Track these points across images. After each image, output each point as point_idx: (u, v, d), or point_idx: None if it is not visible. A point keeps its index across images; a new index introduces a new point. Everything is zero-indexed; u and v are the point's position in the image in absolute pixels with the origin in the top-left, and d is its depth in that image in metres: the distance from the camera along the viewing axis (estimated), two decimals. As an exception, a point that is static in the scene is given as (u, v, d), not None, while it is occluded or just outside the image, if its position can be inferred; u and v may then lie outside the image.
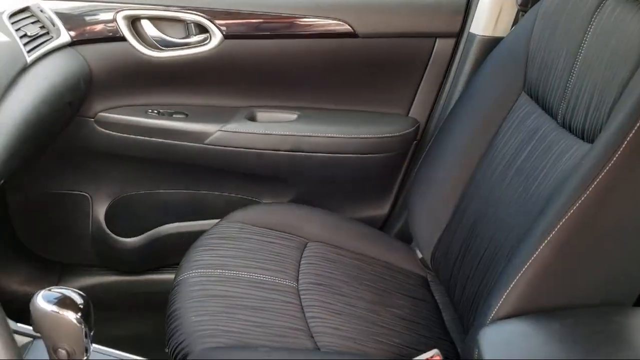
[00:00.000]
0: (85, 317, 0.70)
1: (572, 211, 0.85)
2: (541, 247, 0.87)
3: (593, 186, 0.85)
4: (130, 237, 1.59)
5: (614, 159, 0.84)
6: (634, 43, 0.89)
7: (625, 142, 0.83)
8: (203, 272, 1.18)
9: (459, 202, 1.26)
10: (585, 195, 0.85)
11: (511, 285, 0.89)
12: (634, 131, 0.83)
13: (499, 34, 1.39)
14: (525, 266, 0.88)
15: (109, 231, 1.57)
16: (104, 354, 0.83)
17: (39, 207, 1.56)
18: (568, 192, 0.88)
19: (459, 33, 1.48)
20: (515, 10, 1.39)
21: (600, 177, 0.84)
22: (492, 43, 1.37)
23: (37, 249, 1.60)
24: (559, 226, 0.86)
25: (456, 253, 1.20)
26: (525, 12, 1.32)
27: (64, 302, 0.69)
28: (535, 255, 0.88)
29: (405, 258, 1.41)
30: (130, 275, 1.63)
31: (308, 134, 1.49)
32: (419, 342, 1.16)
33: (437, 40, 1.48)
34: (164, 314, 1.13)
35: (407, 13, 1.49)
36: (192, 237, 1.31)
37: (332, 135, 1.50)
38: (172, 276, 1.24)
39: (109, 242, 1.58)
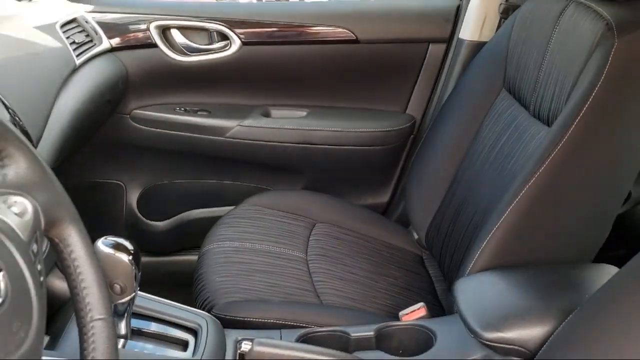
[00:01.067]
0: (135, 260, 0.86)
1: (532, 181, 1.01)
2: (507, 211, 1.02)
3: (549, 160, 1.00)
4: (159, 221, 1.75)
5: (566, 137, 0.99)
6: (586, 41, 1.05)
7: (574, 124, 0.99)
8: (225, 244, 1.33)
9: (449, 187, 1.40)
10: (543, 167, 1.00)
11: (483, 245, 1.04)
12: (581, 114, 0.98)
13: (484, 38, 1.53)
14: (495, 228, 1.03)
15: (140, 216, 1.73)
16: (145, 297, 0.99)
17: (78, 194, 1.72)
18: (530, 166, 1.03)
19: (449, 38, 1.63)
20: (498, 17, 1.53)
21: (555, 152, 1.00)
22: (478, 47, 1.51)
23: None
24: (521, 194, 1.01)
25: (445, 230, 1.35)
26: (506, 19, 1.47)
27: (119, 247, 0.84)
28: (502, 218, 1.03)
29: (403, 239, 1.54)
30: (158, 256, 1.78)
31: (316, 128, 1.64)
32: (411, 305, 1.30)
33: (430, 45, 1.63)
34: (188, 290, 1.27)
35: (403, 21, 1.64)
36: (213, 222, 1.45)
37: (338, 129, 1.65)
38: (194, 257, 1.38)
39: (140, 226, 1.74)
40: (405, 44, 1.64)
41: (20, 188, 0.57)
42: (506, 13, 1.49)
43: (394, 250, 1.49)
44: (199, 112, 1.64)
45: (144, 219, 1.74)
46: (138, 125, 1.62)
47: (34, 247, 0.55)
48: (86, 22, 1.49)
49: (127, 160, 1.70)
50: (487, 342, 0.88)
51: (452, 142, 1.42)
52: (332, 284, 1.27)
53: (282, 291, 1.21)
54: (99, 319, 0.61)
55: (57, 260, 0.64)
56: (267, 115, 1.68)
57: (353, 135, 1.66)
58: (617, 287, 0.75)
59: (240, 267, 1.26)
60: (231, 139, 1.62)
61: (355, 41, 1.61)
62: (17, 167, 0.58)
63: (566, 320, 0.80)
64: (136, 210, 1.73)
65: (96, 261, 0.65)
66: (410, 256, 1.50)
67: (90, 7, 1.54)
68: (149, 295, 1.00)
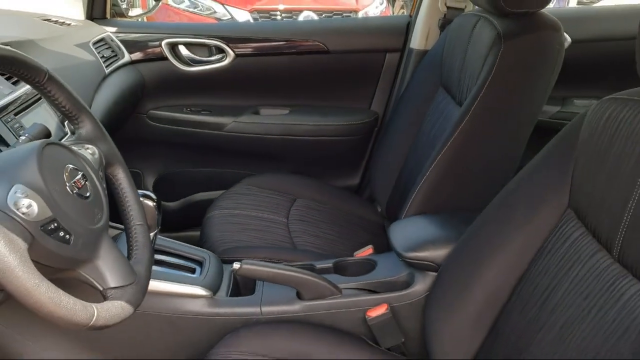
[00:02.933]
0: (157, 206, 1.18)
1: (445, 148, 1.33)
2: (430, 168, 1.35)
3: (457, 131, 1.33)
4: (170, 202, 2.07)
5: (469, 114, 1.32)
6: (485, 46, 1.37)
7: (474, 105, 1.31)
8: (223, 211, 1.65)
9: (402, 165, 1.71)
10: (454, 135, 1.33)
11: (414, 195, 1.37)
12: (479, 98, 1.31)
13: (428, 47, 1.85)
14: (422, 181, 1.36)
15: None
16: (164, 239, 1.30)
17: (108, 187, 2.04)
18: (447, 134, 1.36)
19: (402, 48, 1.95)
20: (438, 31, 1.85)
21: (461, 126, 1.32)
22: (424, 54, 1.82)
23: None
24: (437, 158, 1.34)
25: (399, 197, 1.66)
26: (442, 31, 1.79)
27: (146, 196, 1.16)
28: (427, 174, 1.35)
29: (370, 211, 1.84)
30: (169, 232, 2.08)
31: (296, 123, 1.97)
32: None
33: (387, 53, 1.96)
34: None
35: (365, 35, 1.97)
36: (214, 203, 1.75)
37: (314, 123, 1.97)
38: (197, 232, 1.65)
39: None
40: (367, 53, 1.96)
41: (90, 141, 0.91)
42: (443, 27, 1.81)
43: (360, 220, 1.79)
44: (201, 112, 1.97)
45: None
46: (153, 123, 1.95)
47: (100, 173, 0.88)
48: (112, 40, 1.83)
49: (144, 152, 2.02)
50: (408, 260, 1.20)
51: (403, 130, 1.73)
52: (306, 238, 1.59)
53: (265, 242, 1.53)
54: (139, 224, 0.94)
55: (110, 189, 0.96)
56: (256, 113, 1.99)
57: (327, 128, 1.99)
58: (484, 216, 1.08)
59: (234, 226, 1.58)
60: (228, 133, 1.95)
61: (327, 52, 1.93)
62: (87, 129, 0.92)
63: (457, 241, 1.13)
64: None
65: (135, 188, 0.98)
66: (374, 224, 1.81)
67: (114, 29, 1.87)
68: (167, 238, 1.33)
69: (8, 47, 0.76)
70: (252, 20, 4.85)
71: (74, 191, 0.77)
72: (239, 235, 1.53)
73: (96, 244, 0.78)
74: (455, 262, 1.12)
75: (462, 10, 1.80)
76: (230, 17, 4.96)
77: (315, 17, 5.04)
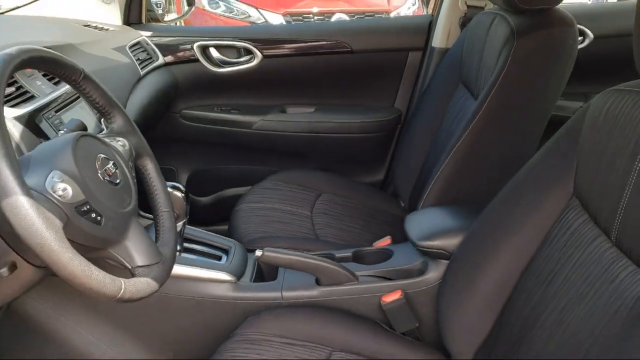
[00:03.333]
0: (186, 197, 1.25)
1: (460, 141, 1.37)
2: (446, 161, 1.39)
3: (472, 124, 1.36)
4: (202, 197, 2.16)
5: (483, 108, 1.35)
6: (500, 42, 1.40)
7: (489, 99, 1.35)
8: (251, 204, 1.72)
9: (423, 160, 1.75)
10: (469, 129, 1.36)
11: (430, 187, 1.41)
12: (493, 92, 1.34)
13: (449, 45, 1.87)
14: (438, 174, 1.40)
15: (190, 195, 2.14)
16: (193, 228, 1.38)
17: (138, 177, 2.14)
18: (461, 127, 1.39)
19: (424, 47, 1.99)
20: (459, 29, 1.89)
21: (476, 118, 1.36)
22: (445, 52, 1.86)
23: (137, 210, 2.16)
24: (454, 149, 1.38)
25: (418, 190, 1.70)
26: (462, 29, 1.82)
27: (175, 187, 1.24)
28: (442, 167, 1.39)
29: (393, 207, 1.88)
30: (200, 225, 2.17)
31: (322, 121, 2.03)
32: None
33: (410, 52, 2.00)
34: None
35: (388, 34, 2.01)
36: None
37: (339, 121, 2.03)
38: (226, 227, 1.72)
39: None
40: (390, 52, 2.01)
41: (121, 134, 0.99)
42: (464, 25, 1.85)
43: (383, 214, 1.84)
44: (231, 111, 2.05)
45: (191, 195, 2.14)
46: (186, 122, 2.04)
47: (130, 163, 0.96)
48: (147, 44, 1.92)
49: (178, 149, 2.11)
50: (422, 249, 1.25)
51: (425, 126, 1.76)
52: (328, 230, 1.65)
53: (289, 233, 1.59)
54: (166, 210, 1.02)
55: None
56: (283, 111, 2.06)
57: (352, 125, 2.04)
58: (492, 206, 1.12)
59: (260, 218, 1.65)
60: (256, 131, 2.03)
61: (351, 51, 1.98)
62: (119, 123, 1.00)
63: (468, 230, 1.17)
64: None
65: (162, 178, 1.05)
66: (396, 219, 1.84)
67: (149, 33, 1.97)
68: (196, 227, 1.41)
69: (49, 49, 0.84)
70: (284, 23, 4.94)
71: (105, 178, 0.85)
72: (264, 227, 1.60)
73: (125, 226, 0.85)
74: (466, 251, 1.16)
75: (482, 8, 1.83)
76: (264, 20, 5.06)
77: (347, 19, 5.10)
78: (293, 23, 4.95)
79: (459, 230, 1.22)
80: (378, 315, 1.26)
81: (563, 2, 1.38)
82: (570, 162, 0.98)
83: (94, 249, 0.82)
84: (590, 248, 0.91)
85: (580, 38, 1.99)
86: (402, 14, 5.40)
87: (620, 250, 0.85)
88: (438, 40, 1.93)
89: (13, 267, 0.79)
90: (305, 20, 5.11)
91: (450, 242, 1.22)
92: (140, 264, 0.86)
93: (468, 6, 1.85)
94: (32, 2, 1.79)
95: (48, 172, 0.76)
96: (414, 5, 5.59)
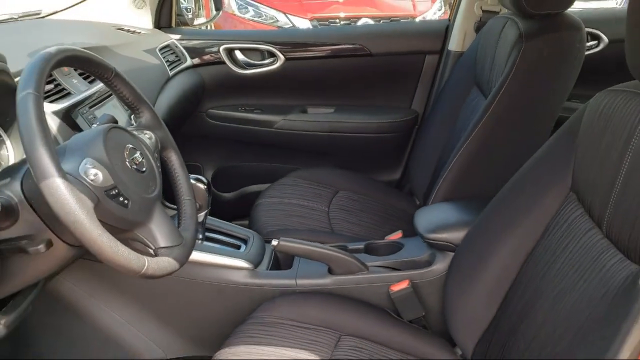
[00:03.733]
0: (208, 188, 1.33)
1: (471, 136, 1.42)
2: (456, 158, 1.44)
3: (481, 123, 1.41)
4: (226, 192, 2.25)
5: (493, 105, 1.40)
6: (509, 44, 1.45)
7: (498, 97, 1.40)
8: (271, 199, 1.80)
9: (438, 160, 1.80)
10: (477, 127, 1.41)
11: (440, 183, 1.46)
12: (502, 91, 1.39)
13: (465, 49, 1.92)
14: (447, 170, 1.45)
15: (213, 189, 2.23)
16: (214, 219, 1.46)
17: (163, 168, 2.24)
18: (472, 124, 1.44)
19: (441, 50, 2.04)
20: (474, 33, 1.93)
21: (484, 118, 1.41)
22: (460, 55, 1.91)
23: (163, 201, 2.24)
24: (464, 146, 1.43)
25: (430, 186, 1.75)
26: (477, 33, 1.87)
27: (198, 180, 1.32)
28: (452, 164, 1.44)
29: (408, 205, 1.92)
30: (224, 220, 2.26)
31: (341, 121, 2.09)
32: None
33: (427, 55, 2.05)
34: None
35: (405, 38, 2.07)
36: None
37: (357, 121, 2.09)
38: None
39: (212, 196, 2.23)
40: (408, 55, 2.06)
41: (148, 128, 1.07)
42: (478, 29, 1.89)
43: (398, 211, 1.89)
44: (254, 110, 2.13)
45: (215, 191, 2.24)
46: (212, 121, 2.13)
47: (155, 154, 1.04)
48: (176, 46, 2.02)
49: (204, 147, 2.20)
50: (429, 241, 1.30)
51: (440, 127, 1.82)
52: (344, 225, 1.71)
53: (306, 227, 1.66)
54: (187, 199, 1.10)
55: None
56: (304, 111, 2.13)
57: (370, 126, 2.10)
58: (496, 201, 1.17)
59: (279, 212, 1.72)
60: (278, 130, 2.10)
61: (370, 54, 2.05)
62: (146, 118, 1.08)
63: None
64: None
65: (185, 169, 1.13)
66: (411, 216, 1.88)
67: (178, 36, 2.07)
68: (217, 219, 1.49)
69: (85, 50, 0.93)
70: (311, 28, 5.02)
71: (133, 166, 0.93)
72: (283, 220, 1.67)
73: (150, 210, 0.93)
74: (470, 243, 1.21)
75: (496, 13, 1.88)
76: (291, 25, 5.15)
77: (372, 23, 5.15)
78: (317, 27, 5.02)
79: (465, 224, 1.27)
80: (387, 304, 1.31)
81: (579, 7, 1.43)
82: (568, 158, 1.03)
83: (121, 230, 0.90)
84: (584, 240, 0.96)
85: (594, 42, 2.02)
86: (428, 18, 5.43)
87: (610, 240, 0.90)
88: (454, 44, 1.98)
89: (49, 244, 0.88)
90: (332, 24, 5.18)
91: (456, 235, 1.27)
92: (162, 245, 0.93)
93: (483, 11, 1.90)
94: (70, 7, 1.90)
95: (81, 159, 0.84)
96: (440, 10, 5.61)
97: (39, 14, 1.86)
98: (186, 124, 2.07)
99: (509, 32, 1.49)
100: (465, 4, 1.93)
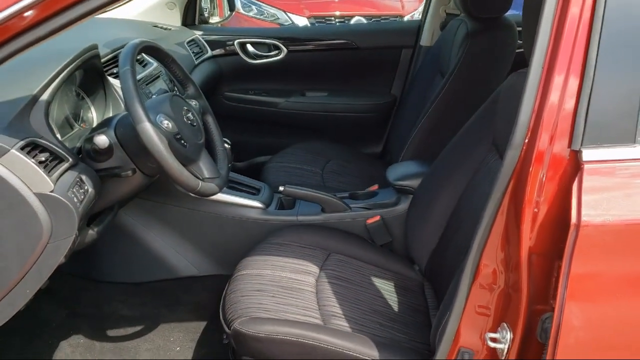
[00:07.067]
0: (231, 148, 1.71)
1: (430, 110, 1.81)
2: (419, 126, 1.83)
3: (439, 96, 1.80)
4: (239, 162, 2.62)
5: (444, 89, 1.79)
6: (459, 41, 1.84)
7: (448, 84, 1.78)
8: (276, 164, 2.17)
9: (413, 131, 2.18)
10: (437, 100, 1.81)
11: (406, 147, 1.86)
12: (451, 79, 1.78)
13: (432, 44, 2.31)
14: (412, 136, 1.84)
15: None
16: (234, 174, 1.85)
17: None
18: (431, 99, 1.83)
19: (414, 45, 2.42)
20: (439, 31, 2.31)
21: (439, 97, 1.80)
22: (429, 49, 2.31)
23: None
24: (426, 115, 1.82)
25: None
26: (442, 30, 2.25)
27: (224, 140, 1.71)
28: (417, 129, 1.83)
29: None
30: (238, 185, 2.65)
31: (333, 102, 2.47)
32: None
33: (403, 49, 2.43)
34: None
35: (386, 34, 2.46)
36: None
37: (346, 103, 2.47)
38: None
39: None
40: (388, 49, 2.44)
41: (193, 97, 1.47)
42: (443, 28, 2.27)
43: (379, 177, 2.26)
44: (262, 94, 2.51)
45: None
46: (227, 102, 2.51)
47: (199, 116, 1.43)
48: (199, 40, 2.40)
49: (221, 124, 2.55)
50: (396, 187, 1.70)
51: (412, 108, 2.18)
52: (334, 183, 2.10)
53: (304, 182, 2.05)
54: (221, 149, 1.49)
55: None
56: (303, 95, 2.51)
57: (357, 106, 2.48)
58: (440, 157, 1.56)
59: (283, 172, 2.09)
60: (281, 110, 2.48)
61: (357, 48, 2.43)
62: (191, 90, 1.48)
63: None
64: (225, 156, 2.61)
65: (218, 129, 1.52)
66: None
67: (201, 32, 2.45)
68: (238, 174, 1.88)
69: (156, 43, 1.32)
70: (309, 25, 5.39)
71: (188, 121, 1.32)
72: (286, 178, 2.05)
73: (198, 152, 1.33)
74: (423, 187, 1.61)
75: (457, 15, 2.26)
76: (290, 22, 5.52)
77: (364, 21, 5.52)
78: (314, 25, 5.39)
79: (422, 174, 1.66)
80: (364, 233, 1.71)
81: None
82: (491, 120, 1.42)
83: (181, 164, 1.29)
84: (492, 174, 1.35)
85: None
86: (416, 17, 5.79)
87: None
88: (425, 40, 2.37)
89: (134, 172, 1.27)
90: (328, 22, 5.55)
91: (415, 182, 1.66)
92: (207, 175, 1.33)
93: (447, 13, 2.28)
94: (114, 8, 2.28)
95: (157, 114, 1.24)
96: (426, 9, 5.96)
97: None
98: (207, 104, 2.45)
99: (461, 31, 1.88)
100: (433, 7, 2.32)
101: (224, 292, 1.38)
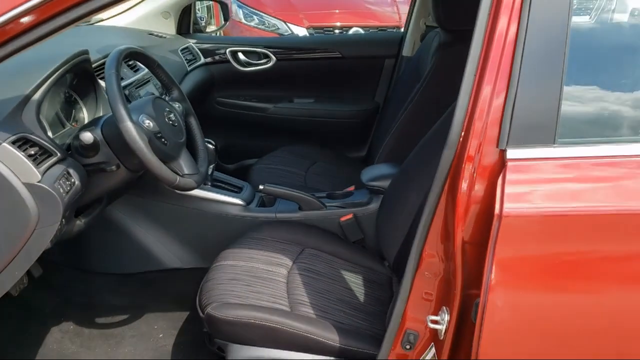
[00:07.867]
0: (215, 149, 1.82)
1: (402, 116, 1.91)
2: (393, 130, 1.93)
3: (410, 105, 1.90)
4: (229, 164, 2.73)
5: (417, 96, 1.89)
6: (432, 52, 1.94)
7: (421, 89, 1.88)
8: (262, 165, 2.27)
9: (391, 136, 2.28)
10: (410, 106, 1.90)
11: (381, 150, 1.95)
12: (423, 86, 1.88)
13: (413, 54, 2.42)
14: (387, 140, 1.94)
15: (219, 161, 2.71)
16: (218, 173, 1.95)
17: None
18: (405, 105, 1.93)
19: (397, 55, 2.52)
20: (419, 42, 2.42)
21: (412, 102, 1.90)
22: (410, 59, 2.41)
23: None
24: (398, 122, 1.92)
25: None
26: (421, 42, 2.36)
27: (207, 141, 1.81)
28: (391, 134, 1.93)
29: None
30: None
31: (319, 108, 2.58)
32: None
33: (386, 59, 2.53)
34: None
35: (370, 45, 2.57)
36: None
37: (332, 109, 2.58)
38: None
39: (219, 167, 2.72)
40: (372, 58, 2.55)
41: (177, 100, 1.57)
42: (422, 39, 2.38)
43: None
44: (252, 99, 2.61)
45: (221, 163, 2.72)
46: (219, 107, 2.62)
47: (182, 118, 1.54)
48: (193, 48, 2.51)
49: (212, 128, 2.64)
50: (368, 187, 1.79)
51: (392, 112, 2.29)
52: (315, 184, 2.20)
53: (287, 184, 2.15)
54: (201, 148, 1.60)
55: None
56: (291, 101, 2.62)
57: (342, 113, 2.58)
58: (408, 160, 1.65)
59: (267, 173, 2.19)
60: (270, 115, 2.59)
61: (342, 57, 2.54)
62: (175, 94, 1.58)
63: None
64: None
65: (201, 130, 1.63)
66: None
67: (194, 40, 2.56)
68: (221, 173, 1.98)
69: (140, 48, 1.43)
70: (308, 35, 5.51)
71: (170, 121, 1.43)
72: (270, 179, 2.15)
73: (179, 150, 1.43)
74: (392, 188, 1.70)
75: (435, 28, 2.36)
76: (290, 32, 5.64)
77: (362, 32, 5.63)
78: (304, 36, 5.51)
79: (392, 175, 1.76)
80: (338, 231, 1.80)
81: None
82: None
83: (162, 160, 1.39)
84: None
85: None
86: (412, 28, 5.89)
87: None
88: (406, 50, 2.48)
89: (118, 167, 1.38)
90: (327, 33, 5.66)
91: (386, 183, 1.76)
92: (187, 172, 1.43)
93: (427, 26, 2.39)
94: (113, 17, 2.40)
95: (139, 114, 1.34)
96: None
97: (89, 21, 2.36)
98: (199, 109, 2.54)
99: (434, 42, 1.98)
100: (414, 20, 2.42)
101: (202, 281, 1.48)
